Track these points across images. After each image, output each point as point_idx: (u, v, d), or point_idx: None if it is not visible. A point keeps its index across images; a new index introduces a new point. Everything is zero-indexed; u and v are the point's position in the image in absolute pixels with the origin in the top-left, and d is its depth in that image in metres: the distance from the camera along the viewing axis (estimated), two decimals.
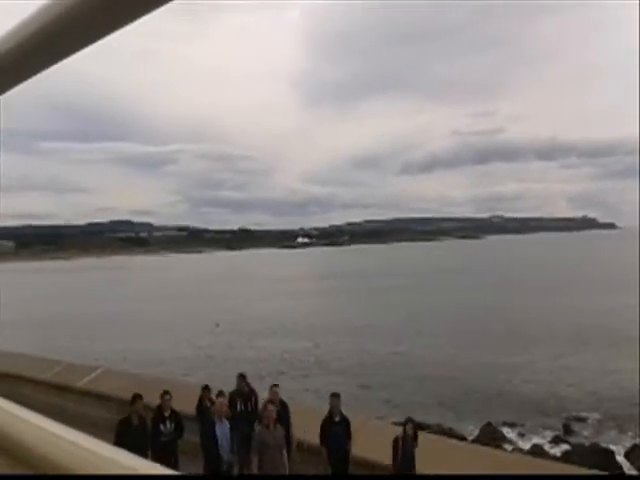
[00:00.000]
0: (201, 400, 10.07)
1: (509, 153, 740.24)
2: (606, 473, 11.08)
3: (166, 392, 9.41)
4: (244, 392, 10.00)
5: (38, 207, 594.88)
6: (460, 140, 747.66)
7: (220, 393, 9.66)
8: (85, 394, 13.62)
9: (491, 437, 15.27)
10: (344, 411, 9.22)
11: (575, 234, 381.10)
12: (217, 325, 41.43)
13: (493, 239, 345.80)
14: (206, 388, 10.24)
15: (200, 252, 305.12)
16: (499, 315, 40.60)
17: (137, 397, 9.03)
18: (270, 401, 9.08)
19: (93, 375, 14.39)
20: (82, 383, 14.00)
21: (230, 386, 10.42)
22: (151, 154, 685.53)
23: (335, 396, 9.39)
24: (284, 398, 9.88)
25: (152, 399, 9.45)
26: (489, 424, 16.44)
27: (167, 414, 9.24)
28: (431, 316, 41.94)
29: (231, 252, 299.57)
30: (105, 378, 14.20)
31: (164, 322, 44.35)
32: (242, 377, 10.21)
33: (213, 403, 9.51)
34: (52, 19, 0.67)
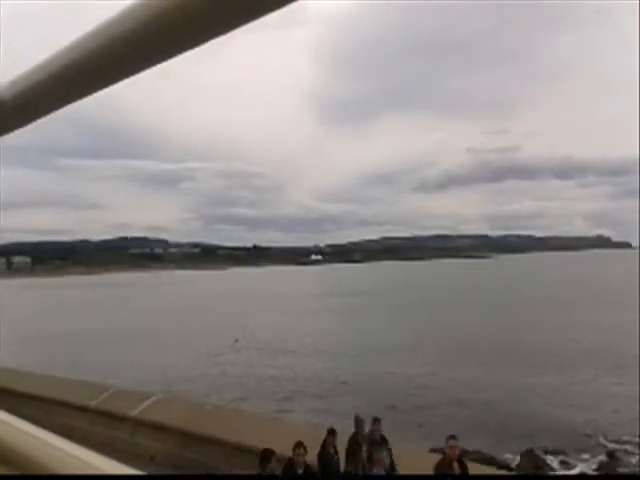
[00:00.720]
0: (324, 446, 8.31)
1: (525, 171, 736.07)
2: None
3: (300, 444, 7.59)
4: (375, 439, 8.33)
5: (55, 223, 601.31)
6: (475, 158, 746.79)
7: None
8: (139, 424, 11.95)
9: (534, 465, 14.48)
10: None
11: (590, 252, 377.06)
12: (236, 341, 40.90)
13: (508, 258, 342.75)
14: (332, 433, 8.41)
15: (213, 269, 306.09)
16: (527, 334, 39.62)
17: (269, 454, 7.25)
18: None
19: (147, 403, 12.76)
20: (136, 412, 12.31)
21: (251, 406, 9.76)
22: (166, 172, 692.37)
23: (377, 421, 8.52)
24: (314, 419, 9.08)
25: (213, 430, 8.46)
26: (530, 451, 15.63)
27: (300, 471, 7.53)
28: (453, 334, 41.09)
29: (245, 269, 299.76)
30: (161, 407, 12.57)
31: (184, 336, 43.95)
32: (377, 421, 8.64)
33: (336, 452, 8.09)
34: (72, 61, 0.69)
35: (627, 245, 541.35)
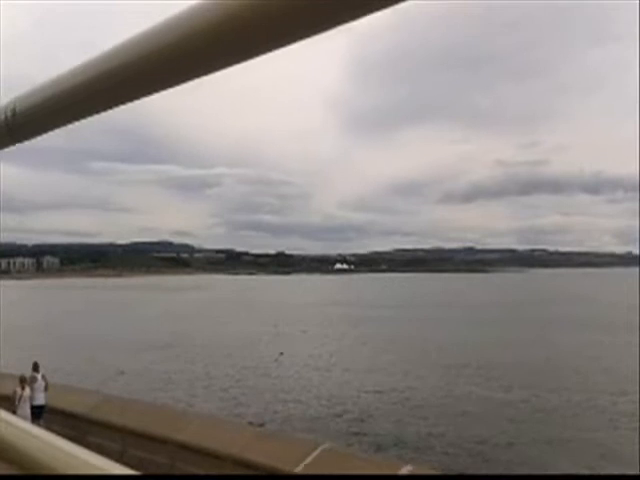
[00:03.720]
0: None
1: (553, 185, 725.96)
2: None
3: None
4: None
5: (84, 225, 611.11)
6: (503, 171, 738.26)
7: None
8: None
9: None
10: None
11: (619, 270, 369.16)
12: (281, 354, 39.89)
13: (538, 272, 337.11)
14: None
15: (238, 274, 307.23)
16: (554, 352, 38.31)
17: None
18: None
19: (313, 455, 9.37)
20: (299, 469, 9.03)
21: None
22: (193, 177, 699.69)
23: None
24: None
25: None
26: None
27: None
28: (477, 351, 39.82)
29: (271, 277, 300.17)
30: (329, 460, 9.09)
31: (226, 346, 43.26)
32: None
33: None
34: (84, 79, 0.74)
35: None
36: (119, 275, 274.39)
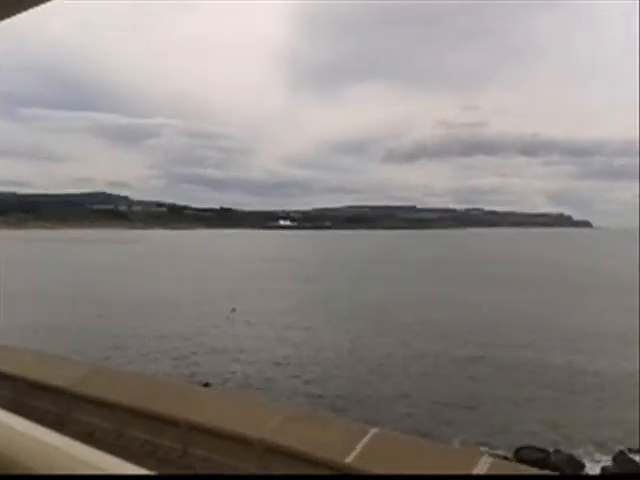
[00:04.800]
0: None
1: (492, 147, 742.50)
2: None
3: None
4: None
5: (13, 174, 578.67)
6: (446, 131, 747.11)
7: None
8: None
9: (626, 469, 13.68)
10: None
11: (551, 230, 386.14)
12: (233, 310, 39.25)
13: (475, 232, 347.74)
14: None
15: (191, 229, 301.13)
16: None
17: None
18: None
19: (364, 442, 7.07)
20: (350, 459, 6.83)
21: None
22: (131, 126, 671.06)
23: None
24: None
25: None
26: (621, 453, 14.87)
27: None
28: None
29: (214, 230, 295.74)
30: (384, 448, 7.37)
31: (178, 303, 42.12)
32: None
33: None
34: None
35: (587, 224, 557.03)
36: (52, 227, 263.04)
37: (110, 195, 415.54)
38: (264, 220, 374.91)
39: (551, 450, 17.53)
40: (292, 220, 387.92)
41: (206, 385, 22.54)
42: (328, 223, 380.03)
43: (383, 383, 22.12)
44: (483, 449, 17.55)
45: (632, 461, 14.69)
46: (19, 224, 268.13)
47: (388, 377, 22.96)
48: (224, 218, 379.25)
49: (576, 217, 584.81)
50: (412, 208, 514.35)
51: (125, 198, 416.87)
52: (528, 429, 18.33)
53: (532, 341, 28.83)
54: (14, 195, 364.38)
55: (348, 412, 18.59)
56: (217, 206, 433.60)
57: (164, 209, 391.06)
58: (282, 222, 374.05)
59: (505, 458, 15.82)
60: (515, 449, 17.31)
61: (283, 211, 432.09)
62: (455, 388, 21.62)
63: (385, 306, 41.84)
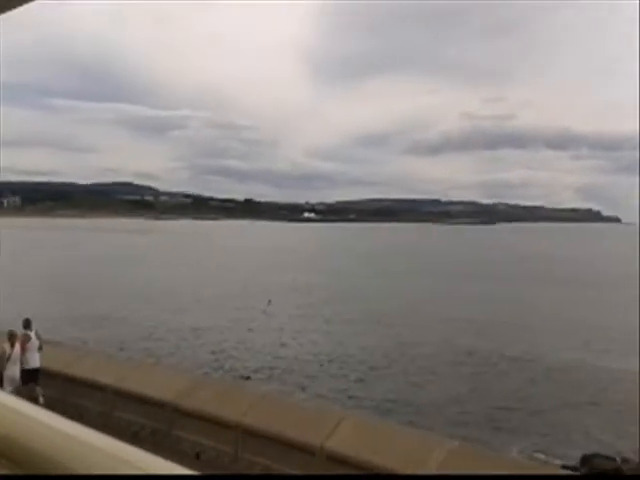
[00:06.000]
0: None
1: (519, 140, 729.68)
2: None
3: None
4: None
5: (44, 164, 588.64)
6: (470, 124, 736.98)
7: None
8: None
9: None
10: None
11: (580, 225, 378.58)
12: (269, 302, 38.58)
13: (501, 226, 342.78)
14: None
15: (215, 219, 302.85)
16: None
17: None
18: None
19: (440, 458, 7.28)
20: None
21: None
22: (157, 118, 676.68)
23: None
24: None
25: None
26: None
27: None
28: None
29: (239, 221, 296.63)
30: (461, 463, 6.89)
31: (210, 295, 41.64)
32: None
33: None
34: None
35: (616, 220, 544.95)
36: (82, 216, 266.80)
37: (137, 185, 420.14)
38: (288, 212, 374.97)
39: (618, 459, 16.54)
40: (316, 213, 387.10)
41: (247, 378, 22.07)
42: (352, 216, 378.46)
43: (433, 384, 21.25)
44: (540, 456, 16.64)
45: None
46: (49, 212, 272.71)
47: (438, 378, 22.08)
48: (248, 210, 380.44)
49: (605, 212, 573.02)
50: (437, 201, 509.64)
51: (151, 189, 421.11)
52: (592, 435, 17.31)
53: (587, 341, 27.65)
54: (45, 184, 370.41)
55: (398, 416, 17.72)
56: (241, 197, 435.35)
57: (189, 200, 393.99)
58: (306, 214, 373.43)
59: (574, 468, 14.93)
60: (581, 457, 16.34)
61: (307, 203, 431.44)
62: (509, 390, 20.66)
63: (423, 302, 40.88)
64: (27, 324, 12.05)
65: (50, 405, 9.25)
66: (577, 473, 15.45)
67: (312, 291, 44.84)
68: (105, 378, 7.66)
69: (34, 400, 11.07)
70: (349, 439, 5.35)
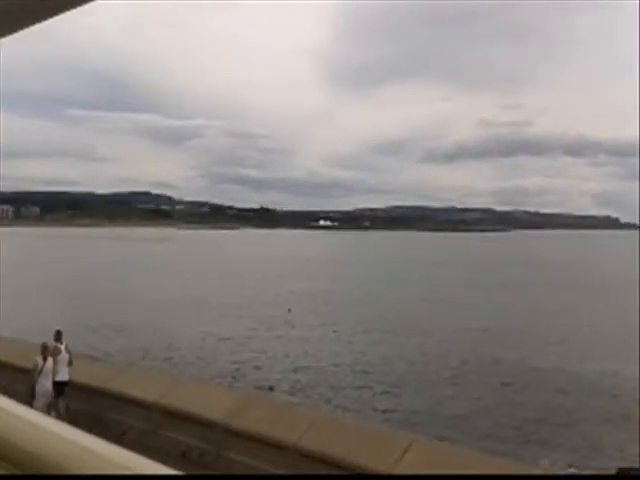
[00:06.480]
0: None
1: (536, 147, 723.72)
2: None
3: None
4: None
5: (63, 173, 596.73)
6: (486, 131, 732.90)
7: None
8: None
9: None
10: None
11: (599, 233, 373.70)
12: (289, 311, 38.43)
13: (518, 233, 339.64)
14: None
15: (232, 228, 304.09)
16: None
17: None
18: None
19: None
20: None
21: None
22: (172, 127, 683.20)
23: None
24: None
25: None
26: None
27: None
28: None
29: (256, 230, 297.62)
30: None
31: (231, 305, 41.47)
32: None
33: None
34: None
35: (635, 227, 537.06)
36: (100, 225, 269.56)
37: (154, 195, 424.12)
38: (304, 220, 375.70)
39: None
40: (332, 220, 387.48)
41: (271, 389, 21.84)
42: (368, 223, 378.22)
43: (460, 396, 20.82)
44: (572, 470, 16.16)
45: None
46: (68, 221, 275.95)
47: (464, 388, 21.64)
48: (265, 218, 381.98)
49: (623, 219, 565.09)
50: (453, 209, 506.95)
51: (169, 198, 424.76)
52: (626, 449, 16.76)
53: (615, 351, 26.98)
54: (64, 194, 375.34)
55: (427, 429, 17.26)
56: (257, 206, 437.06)
57: (206, 209, 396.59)
58: (322, 222, 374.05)
59: None
60: (617, 470, 15.83)
61: (323, 211, 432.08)
62: (538, 402, 20.17)
63: (441, 311, 40.37)
64: (58, 337, 11.85)
65: (89, 423, 9.03)
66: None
67: (330, 299, 44.55)
68: (148, 394, 7.40)
69: (57, 411, 10.89)
70: (419, 465, 4.89)
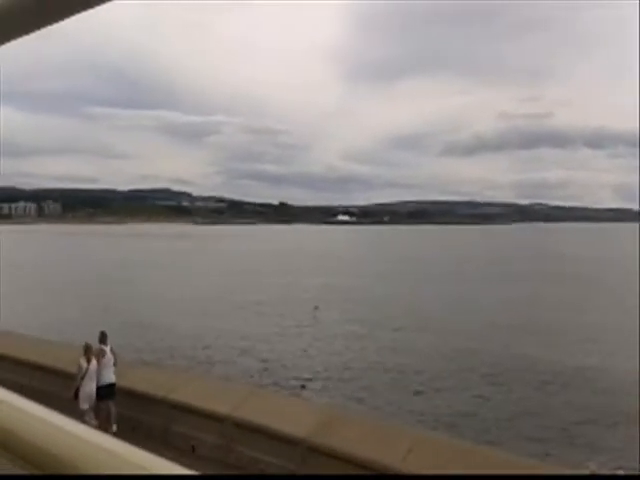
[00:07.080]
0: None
1: (556, 139, 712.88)
2: None
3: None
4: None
5: (83, 171, 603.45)
6: (505, 123, 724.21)
7: None
8: None
9: None
10: None
11: (620, 225, 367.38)
12: (316, 308, 37.74)
13: (540, 226, 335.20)
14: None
15: (251, 224, 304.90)
16: None
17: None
18: None
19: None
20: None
21: None
22: (191, 124, 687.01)
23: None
24: None
25: None
26: None
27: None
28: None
29: (273, 226, 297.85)
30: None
31: (254, 300, 41.06)
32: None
33: None
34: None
35: None
36: (121, 222, 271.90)
37: (174, 191, 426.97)
38: (323, 215, 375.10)
39: None
40: (351, 215, 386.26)
41: (303, 387, 21.44)
42: (386, 218, 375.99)
43: (498, 396, 20.14)
44: (619, 472, 15.45)
45: None
46: (89, 219, 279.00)
47: (502, 389, 20.92)
48: (283, 213, 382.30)
49: None
50: (472, 203, 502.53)
51: (188, 194, 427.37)
52: None
53: None
54: (84, 191, 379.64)
55: (465, 432, 16.61)
56: (276, 201, 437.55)
57: (224, 204, 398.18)
58: (341, 217, 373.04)
59: None
60: None
61: (342, 206, 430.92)
62: (580, 402, 19.43)
63: (466, 306, 39.56)
64: (103, 338, 11.47)
65: (152, 435, 8.49)
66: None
67: (354, 296, 43.91)
68: (219, 406, 6.89)
69: (107, 419, 10.50)
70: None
